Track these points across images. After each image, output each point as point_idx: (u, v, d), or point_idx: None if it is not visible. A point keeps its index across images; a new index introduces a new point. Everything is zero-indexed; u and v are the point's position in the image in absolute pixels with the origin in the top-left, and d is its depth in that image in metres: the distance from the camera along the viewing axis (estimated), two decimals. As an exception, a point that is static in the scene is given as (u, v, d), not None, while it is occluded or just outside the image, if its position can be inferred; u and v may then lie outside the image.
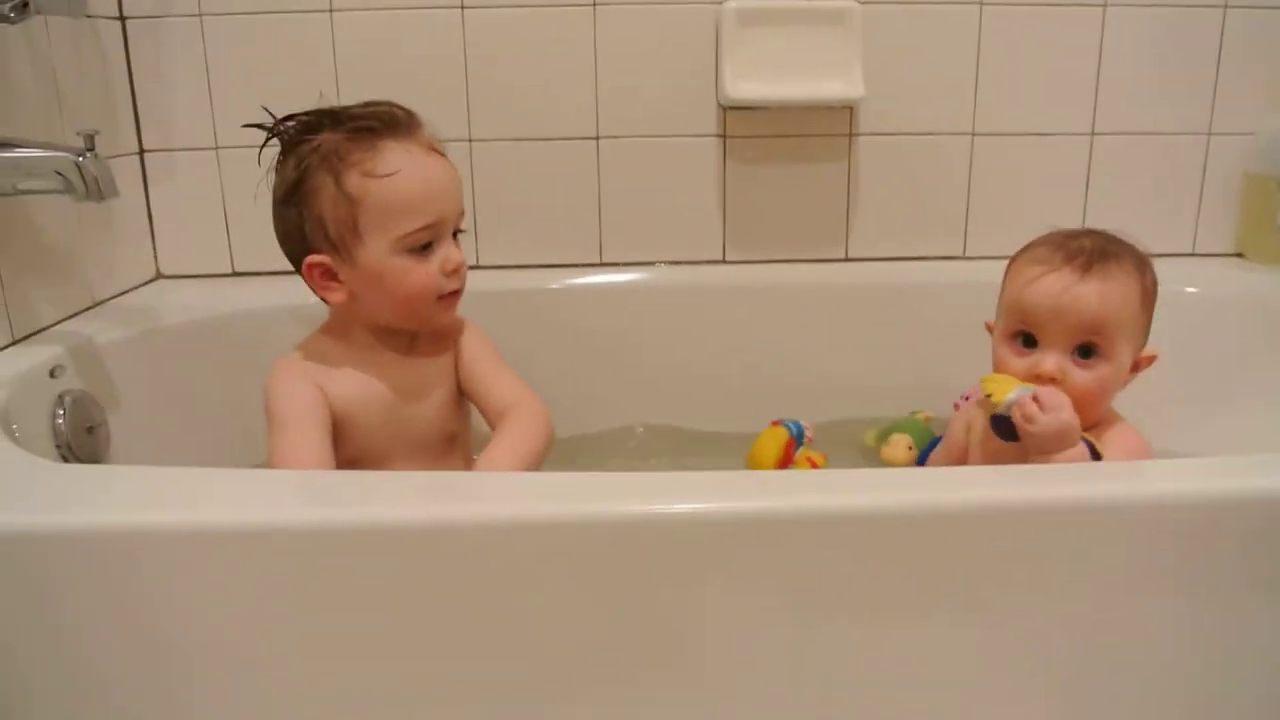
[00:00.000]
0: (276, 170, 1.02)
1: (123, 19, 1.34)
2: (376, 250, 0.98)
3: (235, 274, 1.43)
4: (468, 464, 1.12)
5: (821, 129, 1.42)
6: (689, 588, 0.74)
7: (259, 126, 1.03)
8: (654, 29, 1.38)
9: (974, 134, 1.43)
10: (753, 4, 1.35)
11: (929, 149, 1.44)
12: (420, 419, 1.05)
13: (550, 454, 1.02)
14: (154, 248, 1.42)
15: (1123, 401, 1.00)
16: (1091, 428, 0.96)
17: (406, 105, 1.03)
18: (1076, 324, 0.95)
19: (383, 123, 0.99)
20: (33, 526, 0.72)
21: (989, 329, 1.05)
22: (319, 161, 0.98)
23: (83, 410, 1.05)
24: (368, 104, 1.02)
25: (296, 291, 1.13)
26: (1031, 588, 0.75)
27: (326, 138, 0.98)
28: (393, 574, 0.73)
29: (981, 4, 1.39)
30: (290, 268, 1.04)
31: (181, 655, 0.75)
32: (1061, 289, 0.95)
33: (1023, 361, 0.97)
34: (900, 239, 1.47)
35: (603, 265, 1.45)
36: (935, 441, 1.28)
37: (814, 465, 1.25)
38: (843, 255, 1.48)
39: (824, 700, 0.78)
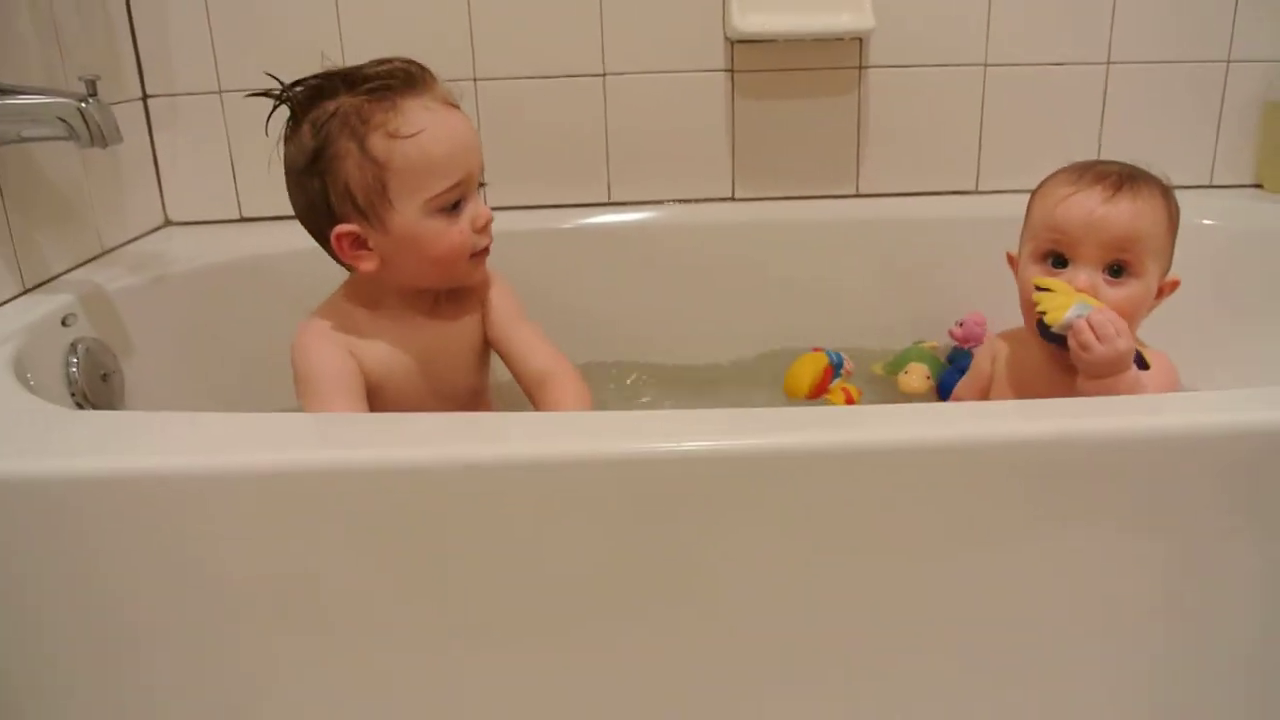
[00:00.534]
0: (289, 140, 0.97)
1: (121, -39, 1.32)
2: (408, 214, 0.95)
3: (243, 219, 1.43)
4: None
5: (831, 62, 1.40)
6: (705, 524, 0.75)
7: (265, 94, 0.98)
8: (659, -38, 1.35)
9: (986, 65, 1.41)
10: (760, -66, 1.32)
11: (940, 81, 1.41)
12: (446, 378, 1.05)
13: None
14: (161, 194, 1.41)
15: (1141, 332, 1.00)
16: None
17: (411, 53, 0.99)
18: (1109, 239, 0.96)
19: (400, 80, 0.95)
20: (50, 473, 0.73)
21: (1010, 261, 1.05)
22: (340, 126, 0.94)
23: (96, 358, 1.06)
24: (379, 62, 0.97)
25: (304, 235, 1.12)
26: (1055, 523, 0.75)
27: (344, 101, 0.94)
28: (410, 514, 0.74)
29: (995, -70, 1.36)
30: (312, 237, 1.01)
31: (198, 598, 0.76)
32: (1095, 205, 0.96)
33: (1053, 281, 0.97)
34: (912, 174, 1.45)
35: (611, 205, 1.44)
36: (952, 371, 1.28)
37: (848, 397, 1.26)
38: (853, 191, 1.46)
39: (838, 635, 0.79)
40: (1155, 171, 1.01)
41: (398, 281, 1.01)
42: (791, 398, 1.29)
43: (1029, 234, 1.02)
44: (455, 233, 0.97)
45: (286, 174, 0.98)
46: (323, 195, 0.96)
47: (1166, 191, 1.00)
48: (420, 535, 0.74)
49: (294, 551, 0.75)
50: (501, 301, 1.07)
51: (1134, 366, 0.91)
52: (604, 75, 1.39)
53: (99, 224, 1.25)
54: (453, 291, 1.05)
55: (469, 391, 1.07)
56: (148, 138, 1.38)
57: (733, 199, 1.46)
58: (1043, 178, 1.03)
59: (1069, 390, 0.95)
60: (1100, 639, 0.79)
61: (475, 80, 1.38)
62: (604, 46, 1.38)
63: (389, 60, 0.97)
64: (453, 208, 0.97)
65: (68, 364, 1.02)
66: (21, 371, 0.93)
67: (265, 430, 0.80)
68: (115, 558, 0.74)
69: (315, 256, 1.03)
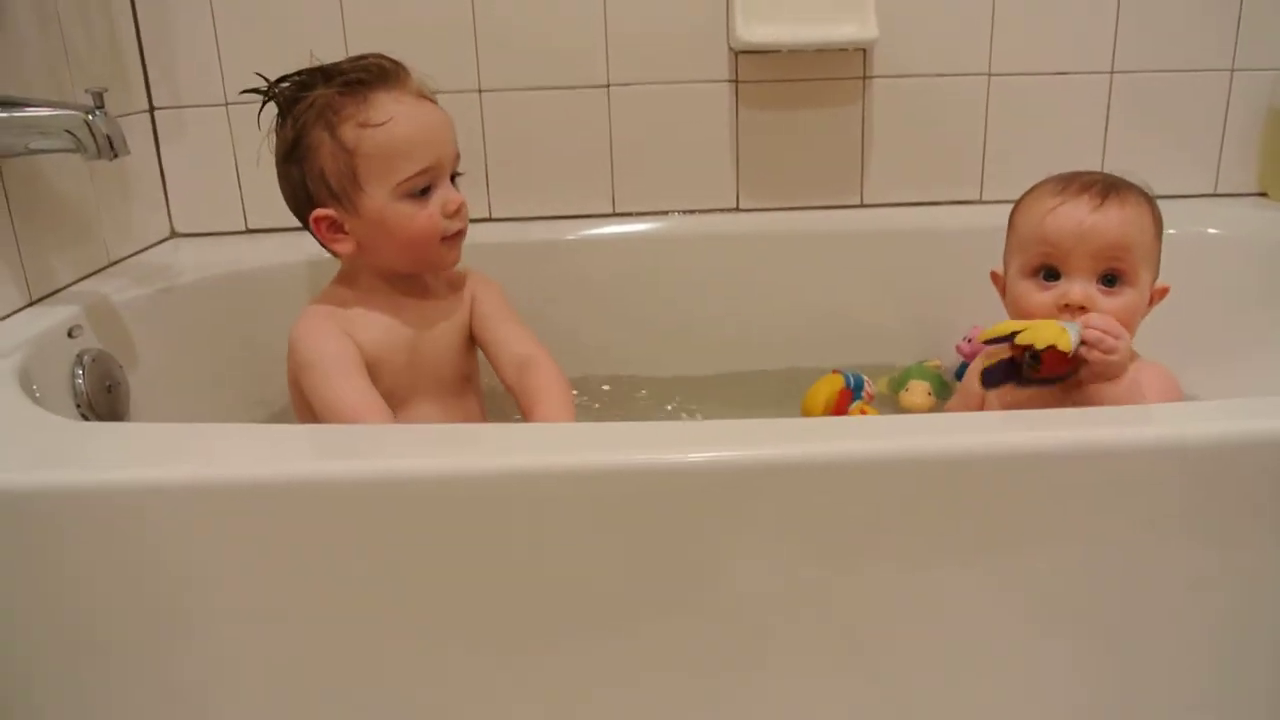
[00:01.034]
0: (276, 132, 1.05)
1: (128, -26, 1.33)
2: (378, 197, 1.01)
3: (249, 231, 1.43)
4: (480, 404, 1.15)
5: (835, 72, 1.40)
6: (709, 536, 0.74)
7: (255, 91, 1.05)
8: (664, -27, 1.36)
9: (990, 74, 1.41)
10: (764, -54, 1.32)
11: (945, 91, 1.41)
12: (439, 358, 1.08)
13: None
14: (167, 206, 1.42)
15: (1140, 343, 1.00)
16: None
17: (406, 56, 1.05)
18: (1101, 248, 0.95)
19: (372, 74, 1.02)
20: (55, 484, 0.73)
21: (995, 279, 1.04)
22: (314, 118, 1.01)
23: (102, 369, 1.06)
24: (356, 58, 1.04)
25: (309, 247, 1.13)
26: (1054, 534, 0.75)
27: (319, 94, 1.01)
28: (414, 525, 0.74)
29: (998, -59, 1.36)
30: (300, 225, 1.07)
31: (201, 611, 0.76)
32: (1084, 214, 0.96)
33: (1048, 295, 0.97)
34: (916, 184, 1.45)
35: (616, 215, 1.44)
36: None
37: None
38: (858, 201, 1.46)
39: (847, 644, 0.79)
40: (1135, 179, 1.00)
41: (377, 265, 1.06)
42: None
43: (1016, 248, 1.01)
44: (424, 216, 1.02)
45: (275, 163, 1.05)
46: (301, 182, 1.03)
47: (1149, 199, 1.00)
48: (424, 547, 0.74)
49: (299, 562, 0.75)
50: (490, 298, 1.12)
51: (1129, 371, 0.92)
52: (608, 86, 1.40)
53: (105, 236, 1.25)
54: (440, 280, 1.11)
55: (460, 377, 1.11)
56: (154, 150, 1.39)
57: (737, 210, 1.46)
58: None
59: (1060, 405, 0.94)
60: (1098, 649, 0.79)
61: (480, 91, 1.38)
62: (608, 57, 1.38)
63: (366, 56, 1.04)
64: (421, 193, 1.02)
65: (73, 375, 1.03)
66: (27, 383, 0.93)
67: (270, 442, 0.80)
68: (121, 569, 0.74)
69: (319, 268, 1.04)
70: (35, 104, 1.01)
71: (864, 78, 1.41)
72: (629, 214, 1.44)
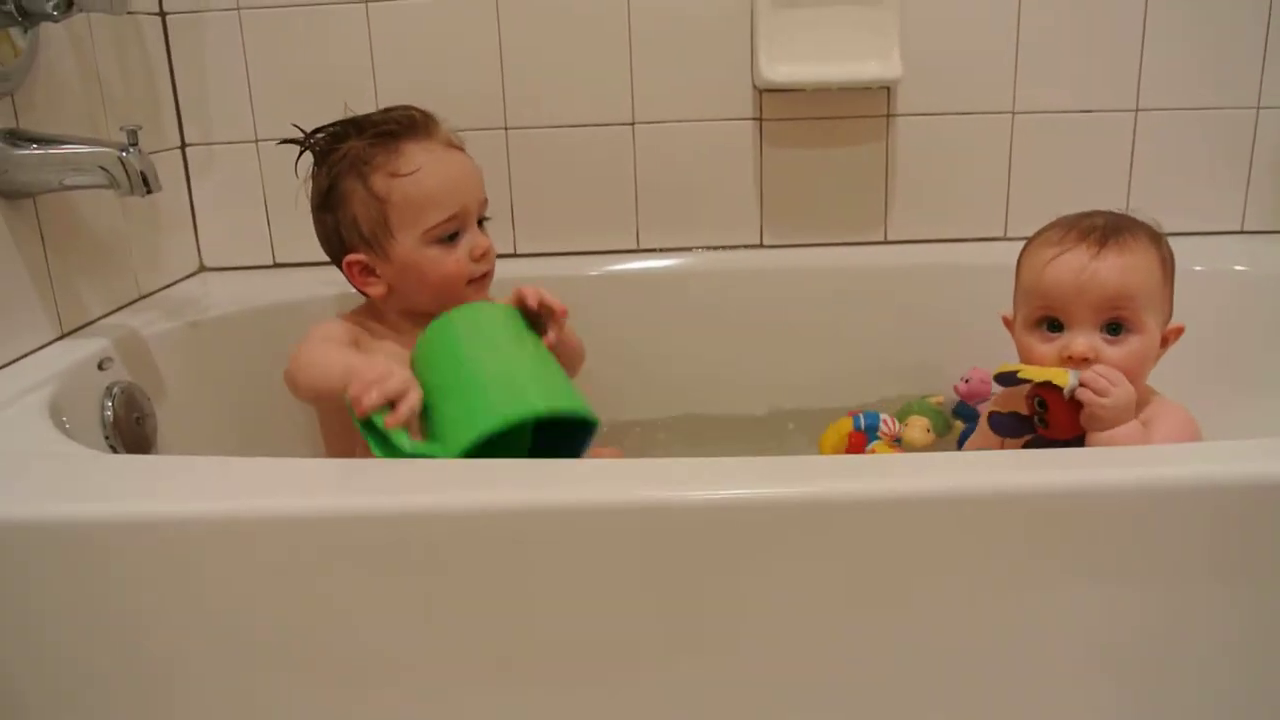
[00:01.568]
0: (312, 179, 1.09)
1: (163, 14, 1.36)
2: (408, 243, 1.04)
3: (276, 265, 1.45)
4: None
5: (859, 110, 1.41)
6: (729, 573, 0.74)
7: (293, 141, 1.10)
8: (688, 12, 1.37)
9: (1014, 112, 1.41)
10: (788, -15, 1.34)
11: (969, 128, 1.42)
12: None
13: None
14: (197, 241, 1.44)
15: (1170, 381, 0.99)
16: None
17: (444, 103, 1.09)
18: (1100, 299, 0.94)
19: (402, 126, 1.06)
20: (84, 516, 0.74)
21: (1006, 322, 1.04)
22: (347, 168, 1.05)
23: (130, 401, 1.07)
24: (387, 110, 1.08)
25: (336, 281, 1.15)
26: (1076, 573, 0.74)
27: (351, 145, 1.05)
28: (437, 560, 0.74)
29: (1021, -20, 1.37)
30: (331, 263, 1.10)
31: (228, 642, 0.76)
32: (1080, 266, 0.94)
33: (1051, 347, 0.96)
34: (940, 221, 1.45)
35: (640, 251, 1.45)
36: (970, 428, 1.27)
37: None
38: (882, 238, 1.46)
39: (864, 686, 0.78)
40: (1143, 216, 0.99)
41: (405, 306, 1.08)
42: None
43: (1020, 298, 1.00)
44: (452, 261, 1.05)
45: (311, 210, 1.10)
46: (335, 228, 1.07)
47: (1156, 238, 0.98)
48: (447, 581, 0.74)
49: (324, 596, 0.75)
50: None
51: (1136, 421, 0.90)
52: (633, 124, 1.41)
53: (136, 269, 1.27)
54: None
55: None
56: (185, 185, 1.41)
57: (761, 246, 1.46)
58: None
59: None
60: (1124, 691, 0.78)
61: (506, 129, 1.40)
62: (633, 95, 1.40)
63: (397, 108, 1.08)
64: (450, 238, 1.06)
65: (103, 407, 1.04)
66: (57, 414, 0.94)
67: (296, 475, 0.80)
68: (147, 601, 0.75)
69: (346, 302, 1.05)
70: (71, 141, 1.03)
71: (888, 115, 1.41)
72: (653, 250, 1.45)
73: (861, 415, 1.27)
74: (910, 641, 0.76)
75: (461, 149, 1.10)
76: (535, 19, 1.37)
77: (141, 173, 1.01)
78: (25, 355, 1.04)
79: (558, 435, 0.94)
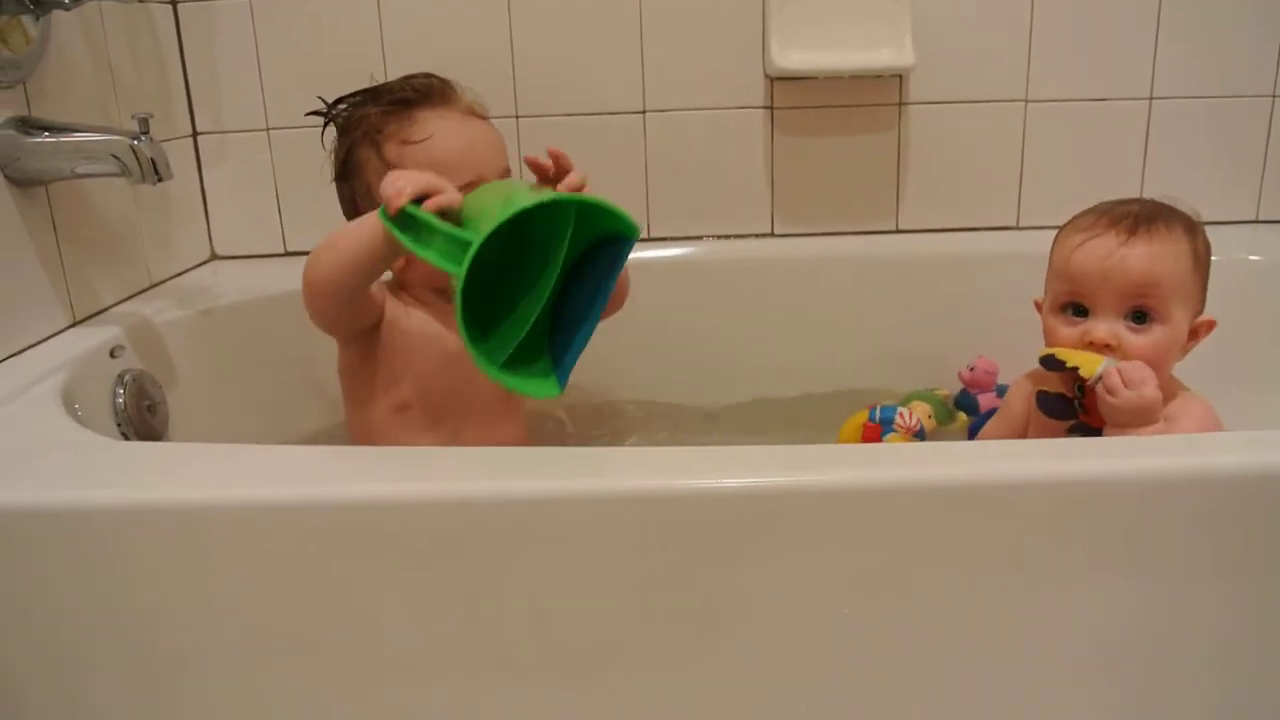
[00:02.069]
0: (334, 150, 1.08)
1: (174, 2, 1.36)
2: None
3: (287, 253, 1.45)
4: (521, 429, 1.13)
5: (871, 98, 1.40)
6: (736, 561, 0.74)
7: (317, 113, 1.09)
8: (699, 0, 1.36)
9: (1027, 100, 1.40)
10: (800, -27, 1.33)
11: (981, 117, 1.41)
12: (480, 379, 1.05)
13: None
14: (208, 229, 1.44)
15: (1182, 371, 0.98)
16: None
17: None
18: (1125, 287, 0.93)
19: (418, 93, 1.04)
20: (96, 503, 0.74)
21: (1037, 306, 1.03)
22: (361, 137, 1.04)
23: (142, 389, 1.07)
24: (406, 78, 1.06)
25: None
26: (1081, 565, 0.74)
27: (366, 113, 1.04)
28: (445, 548, 0.74)
29: (1035, -33, 1.36)
30: None
31: (243, 629, 0.76)
32: (1107, 252, 0.94)
33: (1074, 331, 0.96)
34: (952, 210, 1.45)
35: (651, 240, 1.44)
36: (981, 419, 1.27)
37: None
38: (893, 227, 1.46)
39: (867, 672, 0.78)
40: (1189, 209, 0.98)
41: (425, 278, 1.05)
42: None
43: (1048, 282, 1.00)
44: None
45: (334, 180, 1.08)
46: (351, 199, 1.06)
47: (1192, 228, 0.97)
48: (455, 569, 0.74)
49: (334, 584, 0.75)
50: None
51: (1161, 423, 0.89)
52: (644, 112, 1.40)
53: (148, 258, 1.27)
54: None
55: (501, 394, 1.07)
56: (197, 173, 1.41)
57: (772, 235, 1.46)
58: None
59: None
60: (1128, 685, 0.78)
61: (517, 117, 1.40)
62: (644, 83, 1.39)
63: (415, 76, 1.06)
64: None
65: (115, 395, 1.04)
66: (70, 402, 0.94)
67: (307, 463, 0.80)
68: (158, 587, 0.75)
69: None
70: (83, 129, 1.03)
71: (900, 104, 1.41)
72: (664, 239, 1.45)
73: (878, 408, 1.26)
74: (912, 634, 0.76)
75: (484, 117, 1.07)
76: (546, 6, 1.36)
77: (153, 160, 1.01)
78: (37, 343, 1.05)
79: (597, 262, 0.87)
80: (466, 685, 0.78)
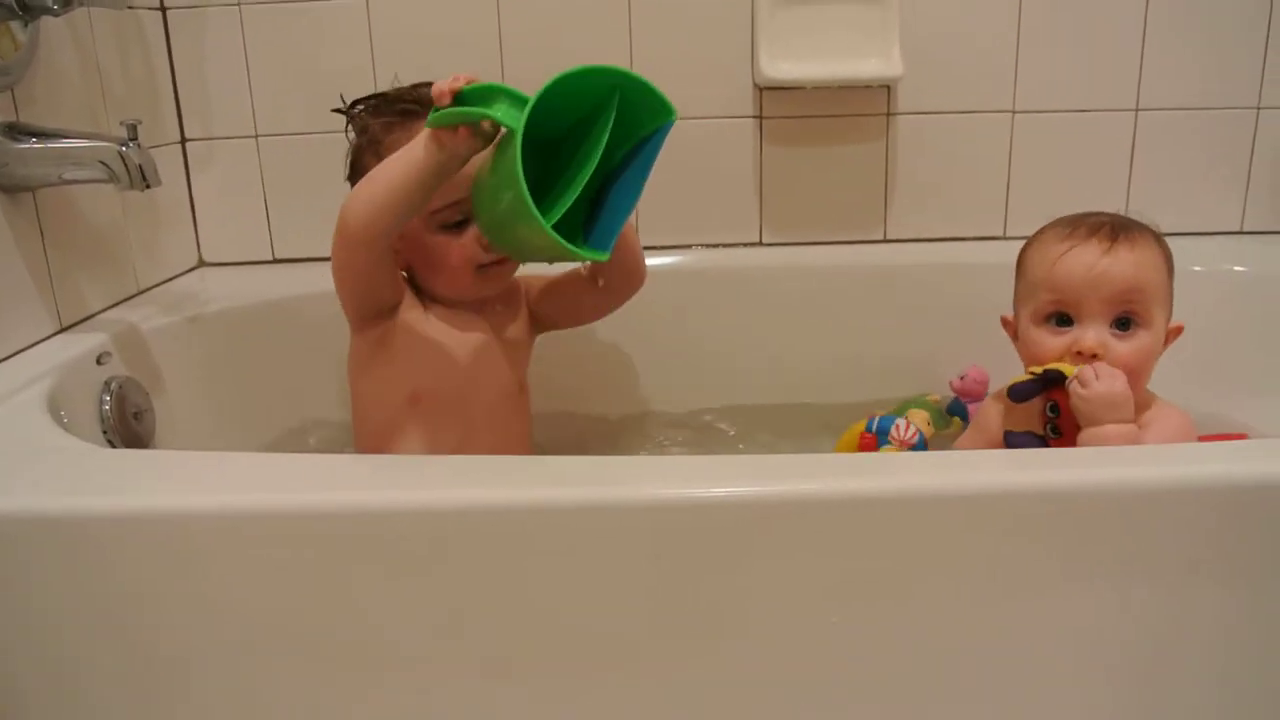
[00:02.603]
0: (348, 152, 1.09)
1: (164, 9, 1.36)
2: (415, 226, 1.01)
3: (276, 261, 1.45)
4: (526, 430, 1.13)
5: (859, 108, 1.41)
6: (729, 571, 0.74)
7: (340, 111, 1.10)
8: (688, 9, 1.37)
9: (1014, 111, 1.41)
10: (789, -17, 1.34)
11: (968, 127, 1.42)
12: (493, 366, 1.07)
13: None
14: (196, 235, 1.44)
15: (1167, 381, 0.99)
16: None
17: None
18: (1113, 293, 0.94)
19: (421, 104, 1.02)
20: (82, 511, 0.74)
21: (1005, 324, 1.04)
22: (366, 144, 1.05)
23: (129, 396, 1.07)
24: (414, 86, 1.06)
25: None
26: (1075, 572, 0.74)
27: (371, 121, 1.05)
28: (438, 556, 0.74)
29: (1022, -21, 1.37)
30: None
31: (227, 637, 0.76)
32: (1093, 260, 0.95)
33: (1060, 340, 0.96)
34: (940, 219, 1.45)
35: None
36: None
37: None
38: (881, 236, 1.46)
39: (863, 683, 0.78)
40: (1142, 219, 1.00)
41: (428, 285, 1.06)
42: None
43: (1025, 295, 1.00)
44: (457, 247, 1.02)
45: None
46: None
47: (1158, 238, 0.99)
48: (449, 577, 0.74)
49: (322, 590, 0.75)
50: (535, 282, 1.14)
51: (1133, 425, 0.90)
52: (633, 121, 1.40)
53: (135, 264, 1.27)
54: (495, 301, 1.10)
55: (516, 384, 1.10)
56: (185, 180, 1.41)
57: (761, 244, 1.46)
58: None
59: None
60: (1122, 690, 0.78)
61: (506, 125, 1.39)
62: (633, 93, 1.39)
63: (422, 85, 1.04)
64: (457, 225, 1.02)
65: (101, 402, 1.04)
66: (55, 409, 0.94)
67: (294, 470, 0.80)
68: (145, 595, 0.75)
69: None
70: (70, 135, 1.03)
71: (888, 114, 1.41)
72: (652, 248, 1.43)
73: (876, 419, 1.26)
74: (909, 639, 0.76)
75: None
76: (535, 16, 1.36)
77: (141, 167, 1.01)
78: (23, 349, 1.04)
79: (632, 158, 0.95)
80: (467, 689, 0.78)
